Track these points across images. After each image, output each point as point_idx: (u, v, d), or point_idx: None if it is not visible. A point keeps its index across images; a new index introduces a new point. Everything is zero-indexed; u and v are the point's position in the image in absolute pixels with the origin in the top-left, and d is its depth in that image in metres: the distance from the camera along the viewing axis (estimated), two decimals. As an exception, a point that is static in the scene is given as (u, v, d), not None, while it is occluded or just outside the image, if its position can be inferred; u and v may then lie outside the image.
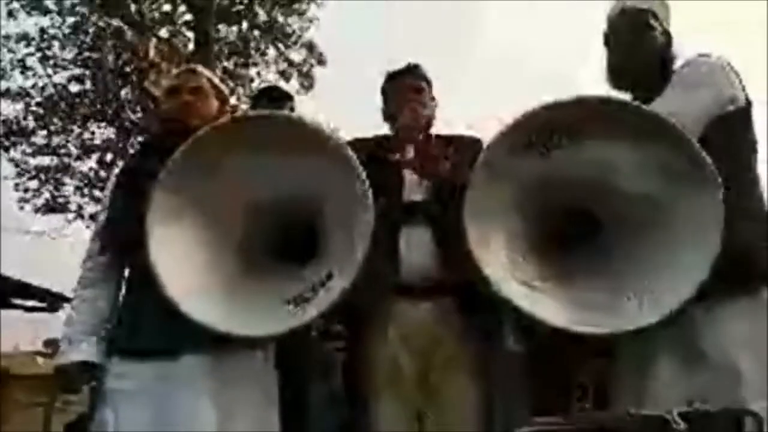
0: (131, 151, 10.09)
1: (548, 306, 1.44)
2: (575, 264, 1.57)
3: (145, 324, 1.62)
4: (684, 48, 1.78)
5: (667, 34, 1.78)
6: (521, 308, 1.45)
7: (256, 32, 11.14)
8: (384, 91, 2.15)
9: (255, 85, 11.16)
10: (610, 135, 1.47)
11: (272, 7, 11.04)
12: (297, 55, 11.38)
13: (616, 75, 1.79)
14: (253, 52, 11.06)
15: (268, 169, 1.63)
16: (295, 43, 11.26)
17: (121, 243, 1.70)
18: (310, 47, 11.39)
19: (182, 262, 1.56)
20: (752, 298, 1.53)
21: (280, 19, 11.18)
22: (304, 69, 11.41)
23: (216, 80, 1.91)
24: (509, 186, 1.55)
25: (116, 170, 1.87)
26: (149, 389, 1.58)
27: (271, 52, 11.28)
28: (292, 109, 2.69)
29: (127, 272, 1.77)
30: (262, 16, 11.08)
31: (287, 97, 2.57)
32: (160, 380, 1.58)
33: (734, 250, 1.43)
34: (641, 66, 1.74)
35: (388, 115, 2.11)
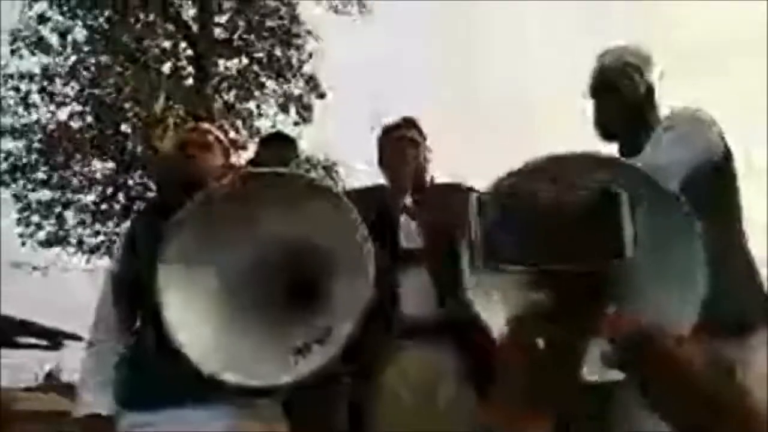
0: (130, 183, 10.23)
1: None
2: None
3: (157, 375, 1.68)
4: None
5: (648, 86, 1.88)
6: None
7: (256, 66, 11.32)
8: (379, 143, 2.25)
9: (255, 117, 11.34)
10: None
11: (271, 41, 11.24)
12: (296, 88, 11.56)
13: (602, 127, 1.88)
14: (252, 86, 11.21)
15: (277, 224, 1.72)
16: (294, 76, 11.43)
17: (134, 295, 1.77)
18: (309, 79, 11.56)
19: (195, 314, 1.63)
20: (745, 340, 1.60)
21: (279, 53, 11.37)
22: (304, 101, 11.57)
23: (221, 135, 2.01)
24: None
25: (127, 224, 1.95)
26: None
27: (270, 85, 11.46)
28: (296, 153, 2.81)
29: (138, 322, 1.84)
30: (261, 50, 11.27)
31: (292, 143, 2.70)
32: (173, 430, 1.63)
33: (724, 290, 1.50)
34: (625, 119, 1.84)
35: (384, 166, 2.21)
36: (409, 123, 2.21)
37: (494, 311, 1.54)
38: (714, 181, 1.69)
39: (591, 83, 1.91)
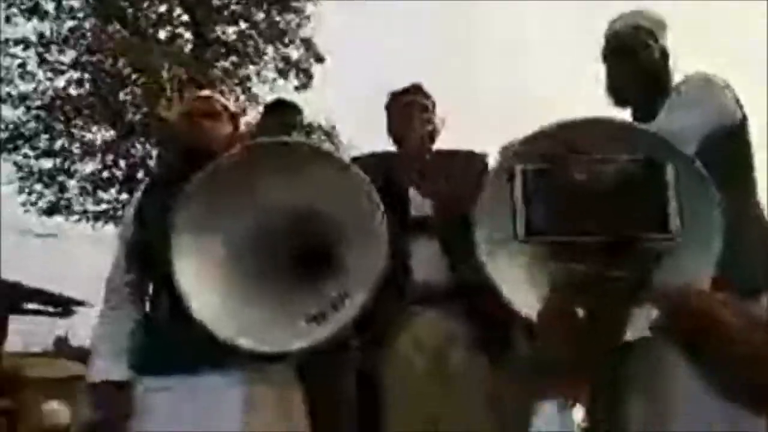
0: (132, 150, 10.19)
1: None
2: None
3: (171, 341, 1.69)
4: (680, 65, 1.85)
5: (663, 51, 1.85)
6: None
7: (254, 31, 11.17)
8: (387, 110, 2.22)
9: (254, 82, 11.23)
10: (609, 152, 1.54)
11: (269, 5, 11.06)
12: (295, 53, 11.43)
13: (616, 93, 1.86)
14: (251, 51, 11.08)
15: (283, 192, 1.71)
16: (293, 41, 11.29)
17: (146, 264, 1.78)
18: (308, 44, 11.42)
19: (206, 282, 1.64)
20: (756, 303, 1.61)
21: (277, 17, 11.20)
22: (302, 66, 11.45)
23: (228, 104, 1.99)
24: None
25: (137, 193, 1.94)
26: (179, 403, 1.65)
27: (269, 50, 11.32)
28: (301, 120, 2.78)
29: (151, 290, 1.85)
30: (259, 15, 11.10)
31: (296, 110, 2.67)
32: (189, 395, 1.65)
33: (737, 255, 1.50)
34: (639, 84, 1.81)
35: (392, 133, 2.19)
36: (417, 89, 2.18)
37: (514, 282, 1.54)
38: (728, 147, 1.67)
39: (604, 48, 1.88)
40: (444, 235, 1.98)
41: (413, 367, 1.94)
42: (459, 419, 1.90)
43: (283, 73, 11.27)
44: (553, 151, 0.58)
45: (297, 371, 1.85)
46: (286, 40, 11.24)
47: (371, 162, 2.05)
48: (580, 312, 0.54)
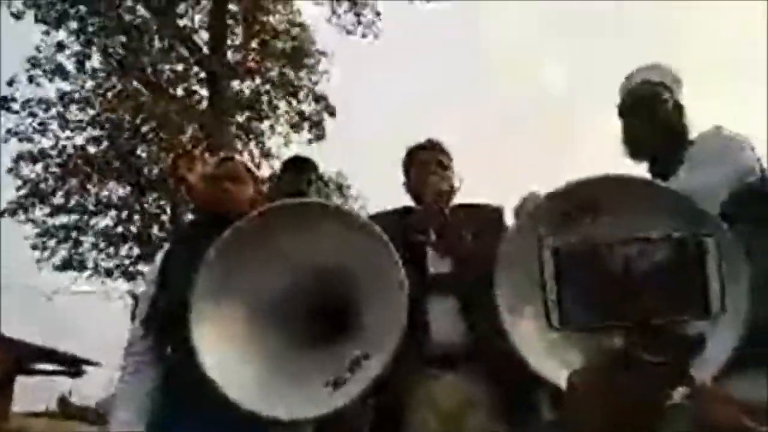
0: (146, 207, 10.30)
1: None
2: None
3: (189, 411, 1.66)
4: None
5: (678, 105, 1.85)
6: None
7: (268, 86, 11.41)
8: (405, 165, 2.22)
9: (267, 137, 11.41)
10: (632, 211, 1.52)
11: (283, 62, 11.33)
12: (307, 107, 11.64)
13: (634, 147, 1.85)
14: (265, 106, 11.30)
15: (302, 252, 1.70)
16: (306, 96, 11.51)
17: (164, 326, 1.76)
18: (320, 99, 11.64)
19: (225, 349, 1.61)
20: None
21: (291, 74, 11.46)
22: (315, 120, 11.64)
23: (250, 165, 2.02)
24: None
25: (159, 257, 1.94)
26: None
27: (282, 105, 11.55)
28: (317, 176, 2.80)
29: (169, 352, 1.83)
30: (274, 71, 11.37)
31: (312, 167, 2.69)
32: None
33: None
34: (657, 138, 1.81)
35: (410, 190, 2.18)
36: (435, 145, 2.18)
37: (539, 349, 1.50)
38: (751, 203, 1.64)
39: (622, 102, 1.89)
40: (463, 293, 1.95)
41: (428, 427, 1.87)
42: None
43: (296, 128, 11.46)
44: (581, 216, 0.56)
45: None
46: (300, 96, 11.46)
47: (389, 219, 2.04)
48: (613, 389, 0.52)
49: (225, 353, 1.61)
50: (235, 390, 1.53)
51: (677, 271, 0.51)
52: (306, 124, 11.53)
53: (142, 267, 10.11)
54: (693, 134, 1.82)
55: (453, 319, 1.93)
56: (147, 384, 1.79)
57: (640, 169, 1.89)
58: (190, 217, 7.21)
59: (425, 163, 2.14)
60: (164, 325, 1.79)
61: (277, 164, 9.40)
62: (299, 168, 2.64)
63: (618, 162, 1.89)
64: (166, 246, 2.02)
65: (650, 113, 1.83)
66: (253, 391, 1.56)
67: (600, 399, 0.52)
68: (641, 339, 0.50)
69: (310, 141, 11.47)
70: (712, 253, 0.51)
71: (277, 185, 2.83)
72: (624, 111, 1.90)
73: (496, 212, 2.10)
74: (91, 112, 10.22)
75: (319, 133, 11.59)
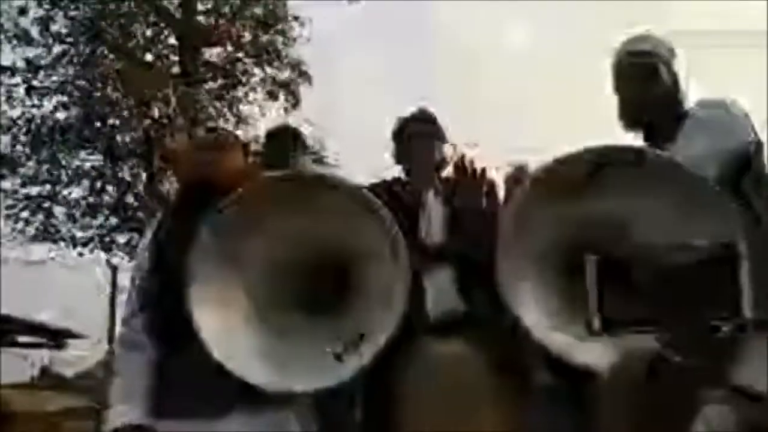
0: (125, 177, 10.11)
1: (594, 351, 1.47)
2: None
3: (188, 383, 1.66)
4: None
5: (674, 75, 1.85)
6: (570, 359, 1.49)
7: (241, 53, 11.17)
8: (395, 137, 2.20)
9: (243, 103, 11.21)
10: (632, 182, 1.53)
11: (256, 27, 11.08)
12: (282, 75, 11.43)
13: (628, 118, 1.85)
14: (239, 73, 11.07)
15: (301, 226, 1.69)
16: (281, 62, 11.30)
17: (162, 306, 1.75)
18: (296, 66, 11.44)
19: (224, 323, 1.61)
20: None
21: (264, 39, 11.22)
22: (291, 88, 11.45)
23: (239, 134, 1.97)
24: (540, 233, 1.60)
25: (151, 228, 1.90)
26: None
27: (257, 72, 11.32)
28: (304, 146, 2.76)
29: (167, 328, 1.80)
30: (247, 36, 11.11)
31: (298, 137, 2.65)
32: None
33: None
34: (653, 109, 1.81)
35: (400, 161, 2.17)
36: (426, 116, 2.16)
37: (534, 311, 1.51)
38: (746, 172, 1.67)
39: (616, 72, 1.88)
40: (458, 262, 1.96)
41: (427, 399, 1.90)
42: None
43: (272, 95, 11.26)
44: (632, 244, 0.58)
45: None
46: (274, 62, 11.24)
47: (381, 190, 2.03)
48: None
49: (225, 333, 1.60)
50: (239, 365, 1.53)
51: (712, 276, 0.52)
52: (282, 92, 11.35)
53: (118, 237, 9.98)
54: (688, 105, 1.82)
55: (448, 287, 1.95)
56: (143, 363, 1.76)
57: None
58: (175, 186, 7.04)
59: (413, 135, 2.13)
60: (161, 305, 1.76)
61: (251, 132, 9.31)
62: (283, 138, 2.59)
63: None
64: (156, 219, 1.96)
65: (645, 83, 1.82)
66: (259, 366, 1.57)
67: (633, 401, 0.53)
68: (677, 343, 0.51)
69: (285, 108, 11.31)
70: (744, 257, 0.52)
71: (262, 156, 2.78)
72: (618, 81, 1.89)
73: (490, 184, 2.10)
74: (59, 79, 9.91)
75: (294, 100, 11.42)
